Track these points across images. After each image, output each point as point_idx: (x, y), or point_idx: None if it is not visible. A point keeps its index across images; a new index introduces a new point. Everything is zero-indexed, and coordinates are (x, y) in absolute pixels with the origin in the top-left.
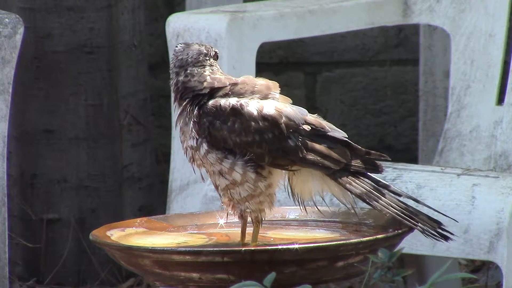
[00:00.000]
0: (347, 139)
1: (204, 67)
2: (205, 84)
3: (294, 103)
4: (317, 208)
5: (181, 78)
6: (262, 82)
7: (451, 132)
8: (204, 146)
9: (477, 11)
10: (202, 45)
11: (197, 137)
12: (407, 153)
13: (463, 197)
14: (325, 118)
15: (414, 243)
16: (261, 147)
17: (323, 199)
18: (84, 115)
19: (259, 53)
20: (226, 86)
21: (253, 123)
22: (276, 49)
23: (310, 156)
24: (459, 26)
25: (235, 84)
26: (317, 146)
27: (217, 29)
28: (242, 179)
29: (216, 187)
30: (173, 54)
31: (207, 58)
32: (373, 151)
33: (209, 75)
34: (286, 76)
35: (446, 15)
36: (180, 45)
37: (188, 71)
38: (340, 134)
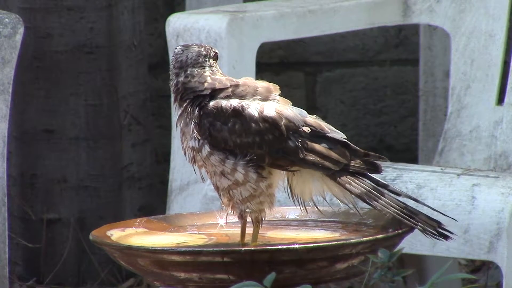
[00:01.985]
0: (346, 140)
1: (204, 68)
2: (205, 85)
3: (294, 103)
4: (317, 208)
5: (181, 79)
6: (263, 84)
7: (451, 132)
8: (206, 148)
9: (477, 11)
10: (202, 46)
11: (199, 138)
12: (407, 153)
13: (463, 197)
14: (325, 118)
15: (414, 243)
16: (262, 148)
17: (324, 199)
18: (84, 115)
19: (259, 53)
20: (228, 88)
21: (253, 125)
22: (276, 49)
23: (310, 157)
24: (459, 26)
25: (236, 85)
26: (317, 147)
27: (217, 29)
28: (244, 179)
29: (217, 187)
30: (173, 56)
31: (207, 59)
32: (372, 153)
33: (209, 76)
34: (286, 76)
35: (446, 15)
36: (179, 47)
37: (188, 72)
38: (339, 135)
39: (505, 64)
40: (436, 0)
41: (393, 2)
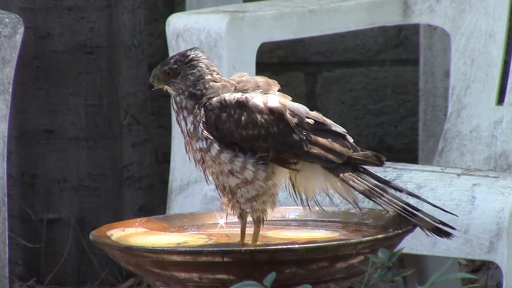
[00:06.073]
0: (346, 134)
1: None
2: (219, 85)
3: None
4: (320, 207)
5: (208, 77)
6: (262, 79)
7: (451, 132)
8: (216, 147)
9: (477, 11)
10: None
11: (210, 137)
12: (407, 153)
13: (463, 197)
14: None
15: (414, 243)
16: (267, 141)
17: (328, 195)
18: (84, 115)
19: (259, 53)
20: (231, 87)
21: (258, 116)
22: (276, 49)
23: (314, 150)
24: (459, 26)
25: (237, 82)
26: (320, 140)
27: (217, 29)
28: (253, 177)
29: (223, 187)
30: (197, 60)
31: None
32: (368, 151)
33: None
34: (286, 76)
35: (446, 15)
36: (196, 50)
37: (216, 72)
38: (340, 129)
39: (505, 64)
40: (436, 0)
41: (393, 2)
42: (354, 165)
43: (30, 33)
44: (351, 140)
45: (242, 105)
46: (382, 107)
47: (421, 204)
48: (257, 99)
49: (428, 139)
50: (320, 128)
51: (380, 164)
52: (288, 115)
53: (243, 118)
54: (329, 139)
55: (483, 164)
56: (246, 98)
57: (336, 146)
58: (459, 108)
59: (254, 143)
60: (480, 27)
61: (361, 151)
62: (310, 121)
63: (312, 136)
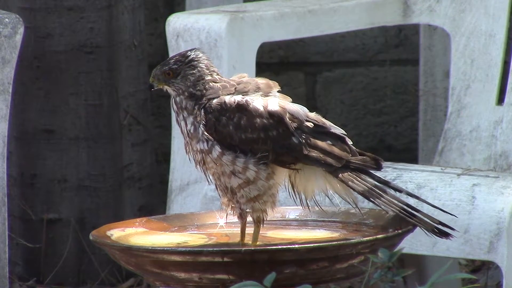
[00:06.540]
0: (345, 136)
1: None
2: (219, 86)
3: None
4: (320, 207)
5: (208, 78)
6: (262, 81)
7: (451, 132)
8: (217, 148)
9: (477, 11)
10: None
11: (211, 139)
12: (407, 153)
13: (463, 197)
14: (325, 118)
15: (414, 243)
16: (266, 144)
17: (327, 196)
18: (84, 115)
19: (259, 53)
20: (231, 88)
21: (258, 120)
22: (276, 49)
23: (313, 153)
24: (459, 26)
25: (238, 83)
26: (320, 143)
27: (217, 29)
28: (256, 177)
29: (225, 188)
30: (197, 61)
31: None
32: (367, 153)
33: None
34: (286, 76)
35: (446, 15)
36: (196, 50)
37: (216, 73)
38: (339, 130)
39: (505, 64)
40: (436, 0)
41: (393, 2)
42: (352, 169)
43: (30, 33)
44: (350, 143)
45: (242, 108)
46: (382, 107)
47: (421, 204)
48: (257, 102)
49: (428, 139)
50: (319, 131)
51: (378, 168)
52: (287, 119)
53: (242, 121)
54: (328, 142)
55: (483, 164)
56: (246, 101)
57: (335, 149)
58: (459, 108)
59: (253, 146)
60: (480, 27)
61: (360, 154)
62: (310, 124)
63: (311, 139)
